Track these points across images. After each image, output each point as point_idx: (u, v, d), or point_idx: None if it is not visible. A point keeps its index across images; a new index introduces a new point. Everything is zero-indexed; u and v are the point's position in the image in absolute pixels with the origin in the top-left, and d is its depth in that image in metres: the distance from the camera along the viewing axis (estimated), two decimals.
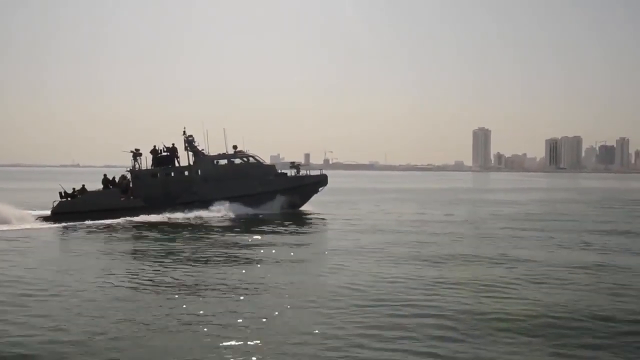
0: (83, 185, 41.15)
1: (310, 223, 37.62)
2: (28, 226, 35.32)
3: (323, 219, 39.69)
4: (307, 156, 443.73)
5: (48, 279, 18.54)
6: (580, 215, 42.48)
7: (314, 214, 42.14)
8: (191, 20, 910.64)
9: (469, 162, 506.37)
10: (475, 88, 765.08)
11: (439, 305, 14.62)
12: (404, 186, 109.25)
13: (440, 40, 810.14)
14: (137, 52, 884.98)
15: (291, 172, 44.85)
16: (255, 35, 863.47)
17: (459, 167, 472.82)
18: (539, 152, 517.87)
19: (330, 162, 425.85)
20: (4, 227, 33.60)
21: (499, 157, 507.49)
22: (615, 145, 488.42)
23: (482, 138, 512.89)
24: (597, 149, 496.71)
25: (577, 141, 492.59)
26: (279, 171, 45.35)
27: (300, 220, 38.78)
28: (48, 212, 38.90)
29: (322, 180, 44.85)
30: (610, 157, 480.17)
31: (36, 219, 37.99)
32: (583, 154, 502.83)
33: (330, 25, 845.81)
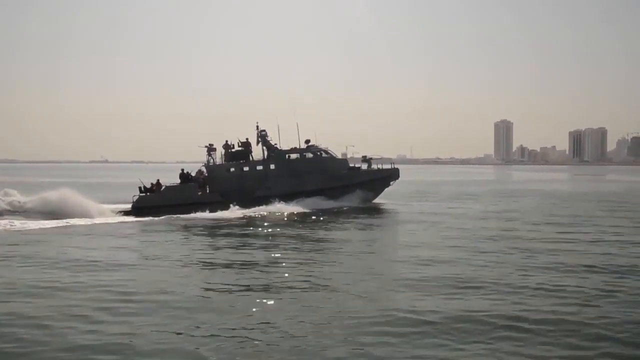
0: (158, 180, 41.49)
1: (382, 216, 37.57)
2: (118, 219, 35.83)
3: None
4: None
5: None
6: None
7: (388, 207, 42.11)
8: (220, 22, 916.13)
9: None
10: (497, 80, 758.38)
11: None
12: None
13: (458, 32, 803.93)
14: (170, 51, 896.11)
15: (362, 166, 44.65)
16: (264, 32, 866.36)
17: (484, 160, 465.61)
18: (564, 144, 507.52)
19: (349, 156, 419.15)
20: (90, 221, 34.00)
21: (522, 149, 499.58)
22: None
23: (503, 130, 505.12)
24: (629, 140, 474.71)
25: (601, 133, 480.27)
26: (352, 165, 45.01)
27: (375, 213, 38.69)
28: (128, 207, 39.33)
29: (393, 174, 44.59)
30: None
31: (117, 213, 38.35)
32: (614, 145, 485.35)
33: (339, 19, 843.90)
